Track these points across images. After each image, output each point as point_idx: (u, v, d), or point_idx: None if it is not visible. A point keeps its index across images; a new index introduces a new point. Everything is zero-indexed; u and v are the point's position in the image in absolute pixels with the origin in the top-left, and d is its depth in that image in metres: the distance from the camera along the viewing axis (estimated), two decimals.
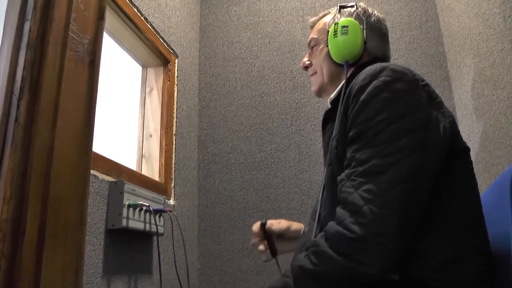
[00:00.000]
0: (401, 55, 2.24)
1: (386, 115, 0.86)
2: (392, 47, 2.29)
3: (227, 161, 2.30)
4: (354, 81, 0.96)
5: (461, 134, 0.99)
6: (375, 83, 0.89)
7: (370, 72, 0.92)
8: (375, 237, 0.78)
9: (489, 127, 1.60)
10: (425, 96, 0.91)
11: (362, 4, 1.21)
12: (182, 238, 1.84)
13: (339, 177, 0.90)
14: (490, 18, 1.52)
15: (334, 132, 1.00)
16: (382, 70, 0.91)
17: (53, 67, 0.82)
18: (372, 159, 0.83)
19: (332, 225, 0.85)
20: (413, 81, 0.90)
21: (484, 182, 1.66)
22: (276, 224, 1.25)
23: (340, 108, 0.98)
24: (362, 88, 0.91)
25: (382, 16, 1.23)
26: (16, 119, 0.74)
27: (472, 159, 0.97)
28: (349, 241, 0.80)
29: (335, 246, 0.82)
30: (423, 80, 0.94)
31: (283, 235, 1.26)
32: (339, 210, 0.85)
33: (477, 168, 1.71)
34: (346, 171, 0.88)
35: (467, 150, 0.96)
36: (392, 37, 2.31)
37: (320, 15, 1.27)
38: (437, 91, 0.97)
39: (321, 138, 2.19)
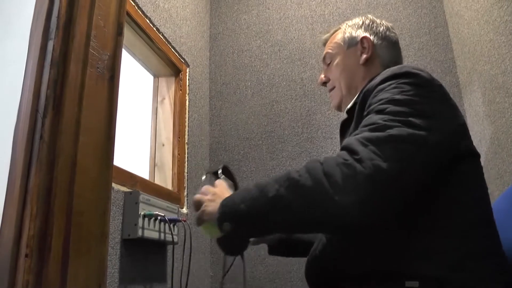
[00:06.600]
0: (410, 61, 2.25)
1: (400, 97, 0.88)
2: (402, 53, 2.30)
3: (239, 169, 2.31)
4: (370, 84, 1.00)
5: (472, 139, 1.00)
6: (391, 77, 0.94)
7: (386, 74, 0.97)
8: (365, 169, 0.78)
9: (502, 134, 1.60)
10: (439, 94, 0.94)
11: (370, 16, 1.25)
12: (191, 246, 1.85)
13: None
14: (501, 25, 1.52)
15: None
16: (400, 69, 0.96)
17: (75, 84, 0.84)
18: (377, 121, 0.86)
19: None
20: (428, 79, 0.94)
21: (497, 189, 1.65)
22: None
23: (356, 112, 1.01)
24: (380, 83, 0.95)
25: (391, 24, 1.26)
26: (41, 137, 0.76)
27: (483, 165, 0.99)
28: (339, 164, 0.80)
29: (326, 166, 0.81)
30: (438, 81, 0.97)
31: None
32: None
33: (489, 175, 1.71)
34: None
35: (477, 155, 0.97)
36: (401, 43, 2.31)
37: (332, 31, 1.30)
38: None
39: (332, 146, 2.20)
